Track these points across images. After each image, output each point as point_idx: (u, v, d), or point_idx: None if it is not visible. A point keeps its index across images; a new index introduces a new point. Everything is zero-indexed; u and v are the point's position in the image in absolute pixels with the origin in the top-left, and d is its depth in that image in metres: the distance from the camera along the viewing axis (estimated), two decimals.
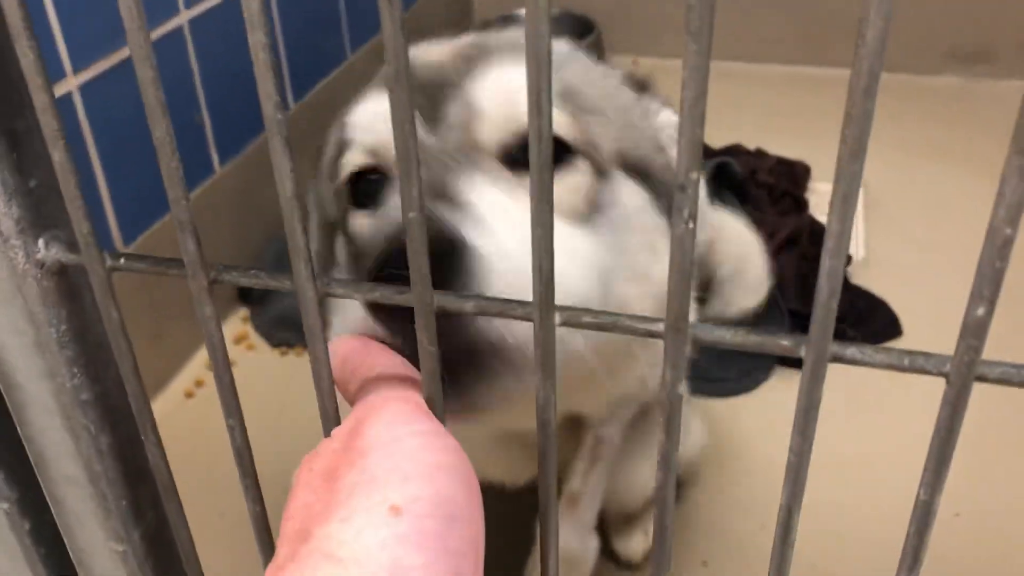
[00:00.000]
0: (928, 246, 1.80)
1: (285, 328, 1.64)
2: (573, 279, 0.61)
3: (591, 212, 0.67)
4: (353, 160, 0.68)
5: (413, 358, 0.49)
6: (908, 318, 1.64)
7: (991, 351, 0.30)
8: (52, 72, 1.26)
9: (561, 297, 0.32)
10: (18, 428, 0.43)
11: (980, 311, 0.30)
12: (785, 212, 1.88)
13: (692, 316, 0.95)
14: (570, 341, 0.58)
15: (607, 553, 1.24)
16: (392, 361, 0.41)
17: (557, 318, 0.35)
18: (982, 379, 0.31)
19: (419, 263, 0.35)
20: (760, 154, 2.05)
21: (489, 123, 0.64)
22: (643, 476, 1.06)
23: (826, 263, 0.30)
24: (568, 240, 0.65)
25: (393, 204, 0.64)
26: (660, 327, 0.33)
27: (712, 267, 1.23)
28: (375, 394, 0.38)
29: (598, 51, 2.34)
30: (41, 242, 0.39)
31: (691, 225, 0.31)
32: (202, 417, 1.49)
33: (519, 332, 0.51)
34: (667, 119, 0.78)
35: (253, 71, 0.32)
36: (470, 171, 0.62)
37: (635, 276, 0.69)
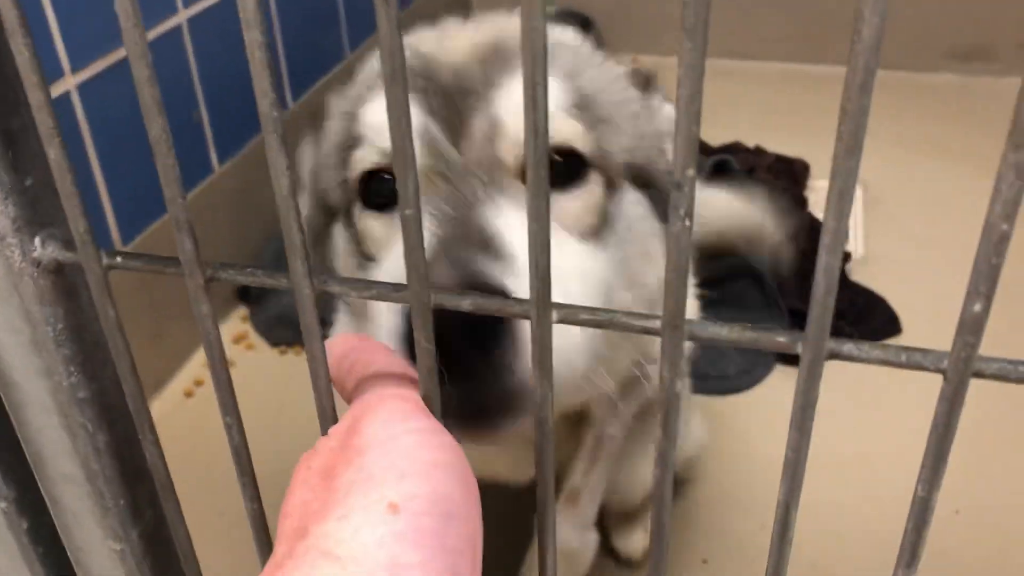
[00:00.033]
0: (927, 243, 1.81)
1: (284, 327, 1.64)
2: (588, 301, 0.61)
3: (601, 226, 0.67)
4: (367, 158, 0.67)
5: (446, 400, 0.52)
6: (907, 315, 1.64)
7: (990, 348, 0.30)
8: (50, 71, 1.27)
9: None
10: (15, 427, 0.43)
11: (977, 307, 0.30)
12: (784, 210, 1.88)
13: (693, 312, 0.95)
14: (574, 361, 0.59)
15: (607, 551, 1.24)
16: (389, 359, 0.41)
17: (554, 315, 0.35)
18: (979, 375, 0.31)
19: (415, 261, 0.35)
20: (759, 152, 2.06)
21: (511, 141, 0.63)
22: (643, 473, 1.06)
23: (823, 259, 0.30)
24: (582, 261, 0.65)
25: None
26: (657, 324, 0.33)
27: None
28: (372, 392, 0.38)
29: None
30: (37, 240, 0.39)
31: (687, 223, 0.31)
32: (201, 416, 1.49)
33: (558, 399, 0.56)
34: (669, 114, 0.77)
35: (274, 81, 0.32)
36: (497, 198, 0.61)
37: (631, 283, 0.70)
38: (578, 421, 0.95)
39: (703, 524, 1.31)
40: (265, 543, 0.43)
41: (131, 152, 1.40)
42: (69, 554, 0.48)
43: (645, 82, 0.77)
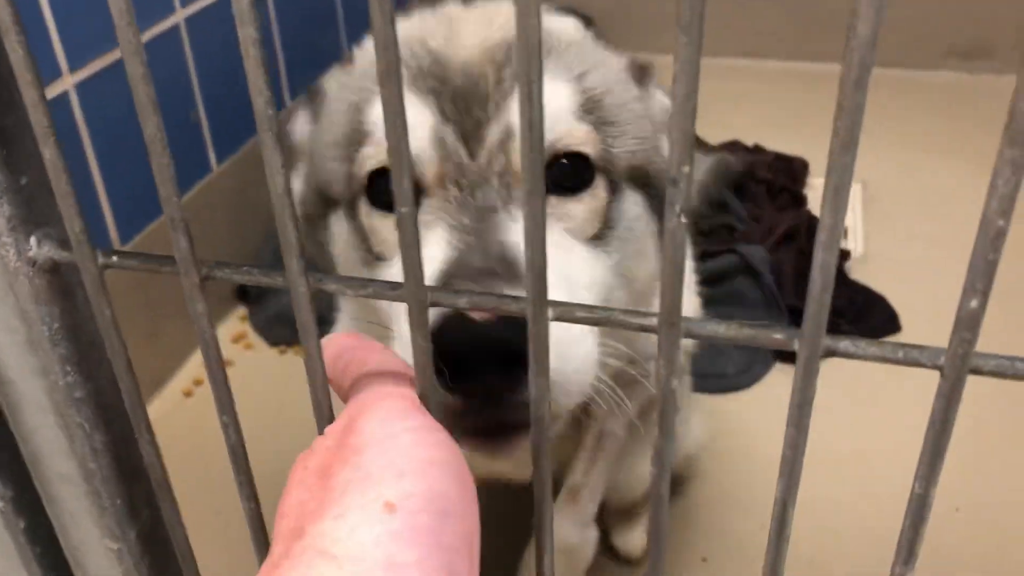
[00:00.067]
0: (927, 241, 1.80)
1: (283, 327, 1.64)
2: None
3: (603, 229, 0.67)
4: (376, 157, 0.67)
5: (475, 424, 0.53)
6: (907, 313, 1.64)
7: (991, 347, 0.30)
8: (48, 71, 1.26)
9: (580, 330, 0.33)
10: (12, 426, 0.43)
11: (973, 303, 0.30)
12: (783, 208, 1.88)
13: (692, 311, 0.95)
14: (584, 366, 0.59)
15: (606, 549, 1.24)
16: (385, 357, 0.40)
17: (550, 313, 0.34)
18: (976, 372, 0.31)
19: (411, 258, 0.35)
20: (758, 150, 2.05)
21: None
22: (643, 470, 1.06)
23: (819, 256, 0.30)
24: (591, 267, 0.65)
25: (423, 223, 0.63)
26: (653, 321, 0.33)
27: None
28: (368, 391, 0.38)
29: None
30: (33, 240, 0.39)
31: (682, 219, 0.31)
32: (200, 416, 1.49)
33: (565, 403, 0.59)
34: (664, 104, 0.77)
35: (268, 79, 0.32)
36: (512, 208, 0.61)
37: (626, 281, 0.70)
38: (579, 419, 0.95)
39: (702, 522, 1.31)
40: (263, 543, 0.43)
41: (129, 152, 1.40)
42: (66, 553, 0.47)
43: (641, 73, 0.77)
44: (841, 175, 0.29)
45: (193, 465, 1.16)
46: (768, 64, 2.54)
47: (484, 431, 0.54)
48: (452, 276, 0.57)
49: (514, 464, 0.98)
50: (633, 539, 1.24)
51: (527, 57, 0.29)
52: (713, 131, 2.10)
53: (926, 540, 0.35)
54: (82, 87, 1.32)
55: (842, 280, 1.70)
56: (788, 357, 1.54)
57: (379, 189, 0.67)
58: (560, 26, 0.73)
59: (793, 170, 1.98)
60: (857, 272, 1.74)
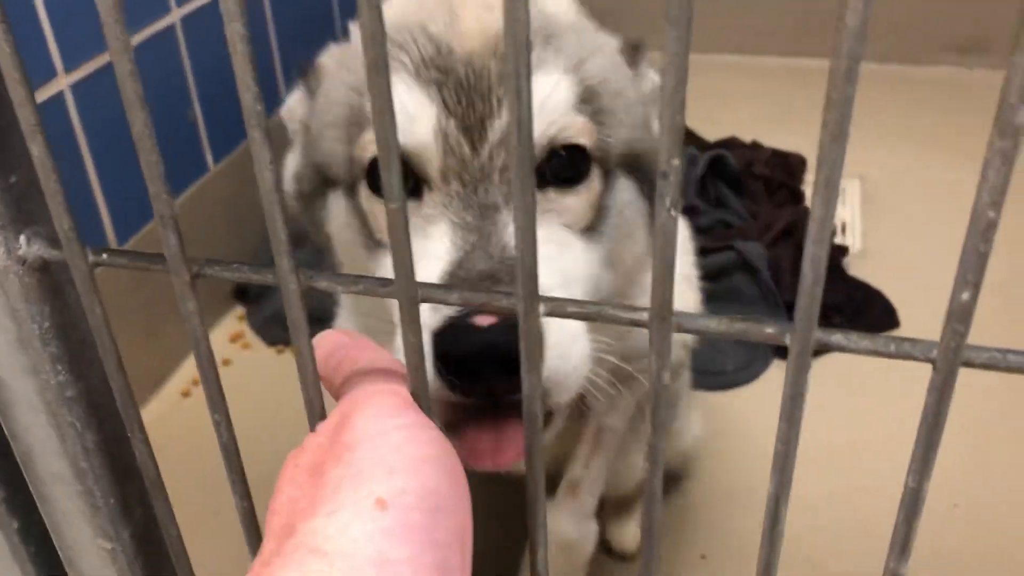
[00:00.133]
0: (925, 237, 1.80)
1: (281, 326, 1.64)
2: (587, 297, 0.62)
3: (595, 219, 0.67)
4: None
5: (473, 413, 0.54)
6: (905, 309, 1.64)
7: (992, 343, 0.29)
8: (44, 72, 1.26)
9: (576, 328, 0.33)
10: (3, 426, 0.43)
11: (965, 296, 0.29)
12: (781, 204, 1.88)
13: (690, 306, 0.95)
14: (577, 361, 0.59)
15: (601, 545, 1.24)
16: (377, 355, 0.40)
17: (542, 308, 0.34)
18: (968, 364, 0.31)
19: (402, 255, 0.35)
20: (756, 146, 2.05)
21: None
22: (638, 460, 1.06)
23: (810, 249, 0.30)
24: (587, 260, 0.65)
25: (424, 213, 0.63)
26: (644, 316, 0.33)
27: None
28: (360, 388, 0.38)
29: None
30: (22, 238, 0.39)
31: (673, 212, 0.31)
32: (198, 416, 1.48)
33: (562, 399, 0.59)
34: (656, 81, 0.76)
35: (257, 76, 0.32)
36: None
37: (613, 264, 0.70)
38: (579, 413, 0.95)
39: (701, 520, 1.31)
40: (256, 541, 0.43)
41: (125, 152, 1.39)
42: (60, 554, 0.47)
43: (634, 53, 0.76)
44: (831, 168, 0.29)
45: (191, 465, 1.15)
46: (766, 60, 2.54)
47: (488, 441, 0.55)
48: (455, 279, 0.58)
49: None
50: (628, 534, 1.24)
51: (515, 52, 0.29)
52: (711, 127, 2.09)
53: (925, 536, 0.34)
54: (77, 88, 1.32)
55: (840, 276, 1.70)
56: (786, 353, 1.54)
57: (377, 175, 0.67)
58: (556, 8, 0.72)
59: (790, 166, 1.98)
60: (855, 268, 1.74)
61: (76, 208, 0.37)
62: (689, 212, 1.70)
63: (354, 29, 0.78)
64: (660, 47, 0.28)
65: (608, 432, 0.95)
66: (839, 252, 1.75)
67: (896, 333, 1.62)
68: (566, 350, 0.57)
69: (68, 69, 1.30)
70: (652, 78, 0.76)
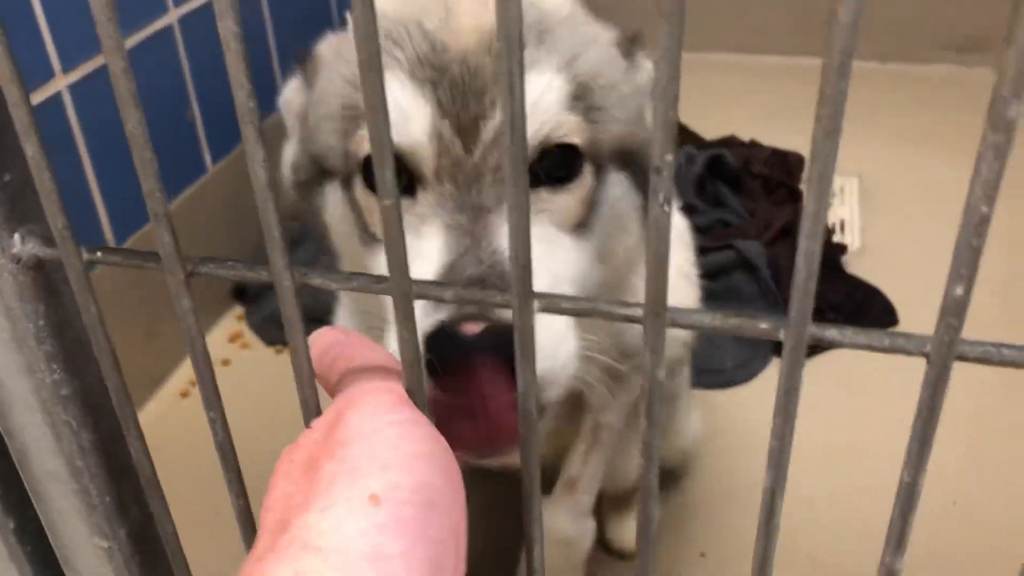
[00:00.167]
0: (924, 235, 1.80)
1: (280, 326, 1.63)
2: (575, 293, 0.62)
3: (586, 215, 0.67)
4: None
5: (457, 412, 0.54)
6: (904, 307, 1.64)
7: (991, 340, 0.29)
8: (41, 72, 1.26)
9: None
10: None
11: (959, 290, 0.29)
12: (780, 203, 1.88)
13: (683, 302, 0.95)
14: (559, 354, 0.59)
15: (601, 544, 1.24)
16: (373, 352, 0.40)
17: (536, 305, 0.34)
18: (962, 358, 0.31)
19: (396, 252, 0.35)
20: (754, 145, 2.05)
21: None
22: (638, 457, 1.06)
23: (803, 244, 0.30)
24: (577, 259, 0.65)
25: (418, 212, 0.63)
26: (638, 312, 0.33)
27: None
28: (356, 385, 0.38)
29: None
30: (17, 237, 0.39)
31: (666, 208, 0.31)
32: (197, 417, 1.46)
33: (551, 398, 0.60)
34: (650, 70, 0.75)
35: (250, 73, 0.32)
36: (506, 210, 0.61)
37: (605, 257, 0.70)
38: (576, 409, 0.95)
39: (701, 518, 1.31)
40: (252, 539, 0.43)
41: (123, 152, 1.38)
42: (56, 553, 0.47)
43: (630, 44, 0.75)
44: (825, 163, 0.29)
45: (190, 465, 1.15)
46: (764, 59, 2.54)
47: (478, 433, 0.55)
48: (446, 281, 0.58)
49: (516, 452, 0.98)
50: (627, 532, 1.24)
51: (508, 47, 0.29)
52: (709, 126, 2.09)
53: (923, 534, 0.34)
54: (75, 88, 1.32)
55: (839, 275, 1.70)
56: None
57: (372, 171, 0.67)
58: (551, 2, 0.71)
59: (789, 165, 1.98)
60: (854, 266, 1.74)
61: (74, 209, 0.37)
62: (688, 211, 1.70)
63: (351, 19, 0.77)
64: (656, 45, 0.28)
65: (606, 429, 0.95)
66: (838, 250, 1.76)
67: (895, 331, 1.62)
68: (553, 350, 0.57)
69: (66, 70, 1.30)
70: (648, 68, 0.75)
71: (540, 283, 0.33)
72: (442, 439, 0.36)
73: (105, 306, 0.39)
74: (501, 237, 0.60)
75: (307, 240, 1.68)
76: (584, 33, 0.71)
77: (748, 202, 1.87)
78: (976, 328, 0.30)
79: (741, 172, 1.92)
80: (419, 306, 0.50)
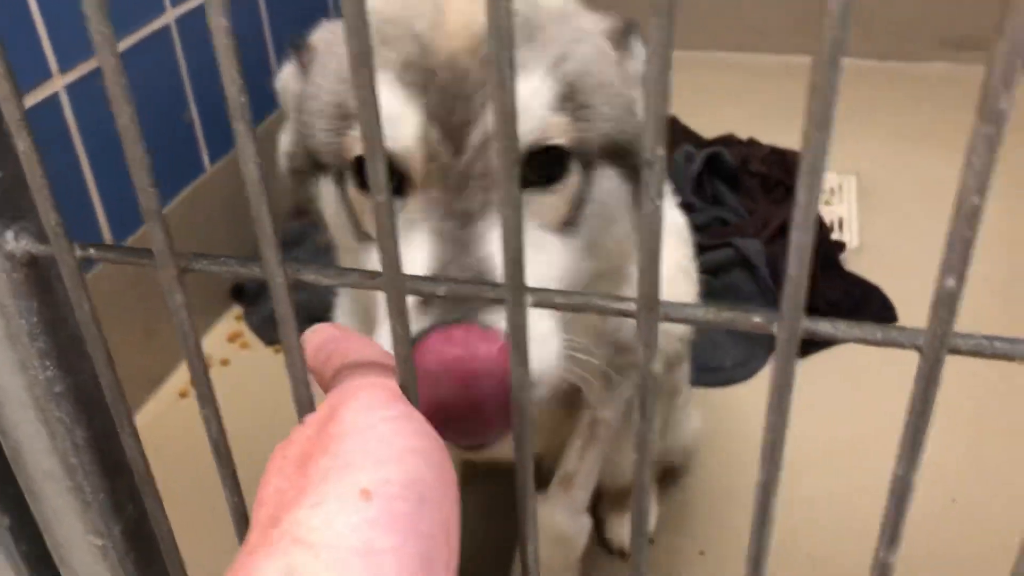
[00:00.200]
0: (922, 232, 1.80)
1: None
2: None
3: (573, 213, 0.67)
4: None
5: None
6: (903, 304, 1.64)
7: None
8: (39, 73, 1.26)
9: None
10: None
11: (951, 282, 0.29)
12: (778, 201, 1.88)
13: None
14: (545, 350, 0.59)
15: (600, 542, 1.24)
16: (367, 348, 0.40)
17: (528, 299, 0.34)
18: (955, 351, 0.31)
19: (389, 248, 0.35)
20: (753, 144, 2.05)
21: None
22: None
23: (794, 237, 0.30)
24: (558, 260, 0.65)
25: (408, 213, 0.63)
26: (632, 306, 0.33)
27: None
28: (349, 381, 0.38)
29: None
30: (10, 234, 0.39)
31: (658, 203, 0.30)
32: (197, 417, 1.47)
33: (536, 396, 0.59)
34: (641, 55, 0.74)
35: (242, 69, 0.32)
36: (491, 217, 0.61)
37: (594, 252, 0.69)
38: (573, 405, 0.95)
39: (700, 516, 1.31)
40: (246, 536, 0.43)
41: (121, 152, 1.38)
42: (51, 550, 0.47)
43: (623, 34, 0.74)
44: (815, 154, 0.29)
45: (189, 465, 1.15)
46: (763, 58, 2.54)
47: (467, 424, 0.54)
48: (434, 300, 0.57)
49: (511, 447, 0.98)
50: (626, 531, 1.24)
51: (498, 42, 0.29)
52: (707, 125, 2.09)
53: (923, 532, 0.34)
54: (72, 89, 1.32)
55: (838, 272, 1.70)
56: None
57: (364, 171, 0.67)
58: None
59: (787, 164, 1.98)
60: (853, 264, 1.74)
61: (72, 209, 0.37)
62: (686, 209, 1.70)
63: (343, 15, 0.77)
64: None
65: (602, 425, 0.95)
66: (837, 248, 1.75)
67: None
68: (537, 351, 0.58)
69: (63, 70, 1.30)
70: (641, 54, 0.75)
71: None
72: (435, 434, 0.36)
73: (104, 306, 0.39)
74: (487, 244, 0.60)
75: (306, 240, 1.69)
76: (574, 27, 0.69)
77: (746, 200, 1.87)
78: (977, 328, 0.30)
79: (739, 170, 1.92)
80: (411, 306, 0.50)
